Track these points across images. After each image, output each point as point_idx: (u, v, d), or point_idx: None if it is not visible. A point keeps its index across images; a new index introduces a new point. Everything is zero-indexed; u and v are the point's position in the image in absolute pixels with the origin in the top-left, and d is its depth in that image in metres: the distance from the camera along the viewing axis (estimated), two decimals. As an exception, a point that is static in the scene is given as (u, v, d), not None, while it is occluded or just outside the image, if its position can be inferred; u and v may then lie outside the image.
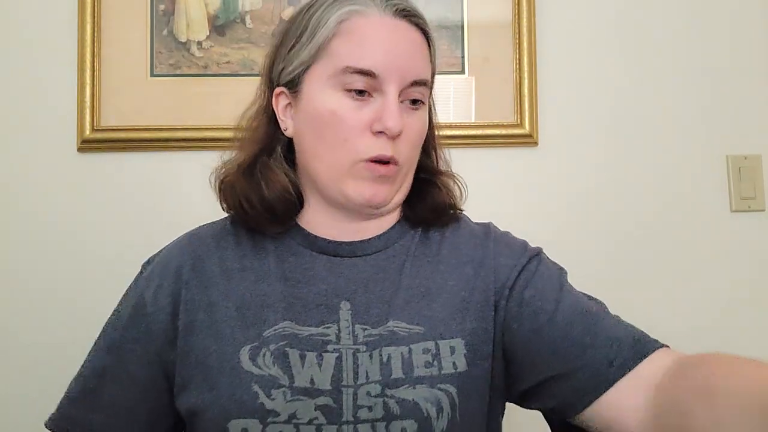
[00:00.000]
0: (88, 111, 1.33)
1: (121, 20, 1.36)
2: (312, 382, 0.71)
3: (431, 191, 0.84)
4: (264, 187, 0.78)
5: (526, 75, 1.39)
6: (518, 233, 1.39)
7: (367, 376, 0.72)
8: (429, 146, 0.86)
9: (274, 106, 0.82)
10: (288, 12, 1.38)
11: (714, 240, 1.42)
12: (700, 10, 1.45)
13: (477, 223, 0.89)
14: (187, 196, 1.34)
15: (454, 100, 1.41)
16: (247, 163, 0.80)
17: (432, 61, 0.81)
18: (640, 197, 1.42)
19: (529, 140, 1.39)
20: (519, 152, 1.41)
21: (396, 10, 0.76)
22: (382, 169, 0.76)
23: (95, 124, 1.33)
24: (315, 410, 0.70)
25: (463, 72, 1.40)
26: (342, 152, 0.75)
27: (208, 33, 1.37)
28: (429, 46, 0.80)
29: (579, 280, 1.40)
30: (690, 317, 1.41)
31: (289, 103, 0.80)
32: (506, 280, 0.80)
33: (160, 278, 0.80)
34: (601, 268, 1.40)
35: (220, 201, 0.84)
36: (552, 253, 1.39)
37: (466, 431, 0.73)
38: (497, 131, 1.39)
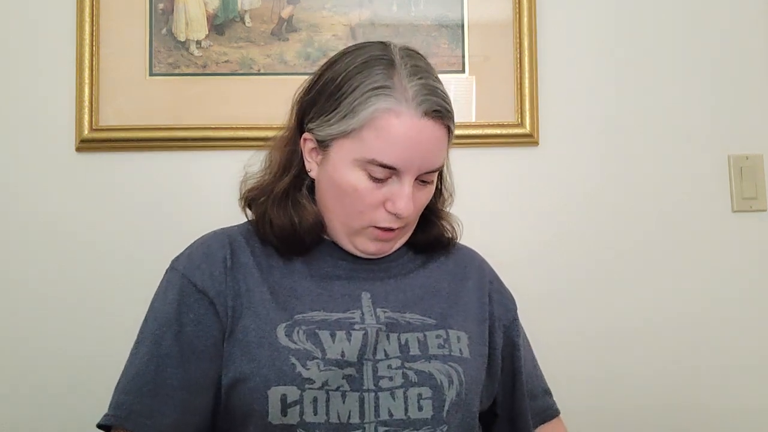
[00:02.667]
0: (86, 110, 1.32)
1: (119, 19, 1.35)
2: (342, 354, 0.81)
3: (433, 229, 0.95)
4: (297, 222, 0.87)
5: (526, 74, 1.38)
6: (518, 233, 1.40)
7: (385, 353, 0.83)
8: (441, 188, 0.96)
9: (301, 146, 0.89)
10: (287, 11, 1.38)
11: (715, 240, 1.42)
12: (701, 9, 1.44)
13: (466, 246, 1.02)
14: (186, 196, 1.34)
15: (455, 100, 1.37)
16: (279, 195, 0.89)
17: (448, 144, 0.88)
18: (640, 197, 1.41)
19: (529, 140, 1.39)
20: (519, 152, 1.40)
21: (426, 111, 0.81)
22: (389, 235, 0.87)
23: (94, 124, 1.33)
24: (342, 379, 0.80)
25: (463, 71, 1.40)
26: (356, 219, 0.86)
27: (207, 32, 1.37)
28: (451, 134, 0.87)
29: (579, 280, 1.40)
30: (691, 317, 1.40)
31: (315, 148, 0.88)
32: (501, 317, 0.96)
33: (208, 266, 0.86)
34: (601, 268, 1.40)
35: (244, 211, 0.93)
36: (552, 253, 1.39)
37: (468, 408, 0.85)
38: (498, 131, 1.38)
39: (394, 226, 0.85)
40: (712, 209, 1.43)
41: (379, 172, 0.82)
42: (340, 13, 1.38)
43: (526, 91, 1.38)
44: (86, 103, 1.32)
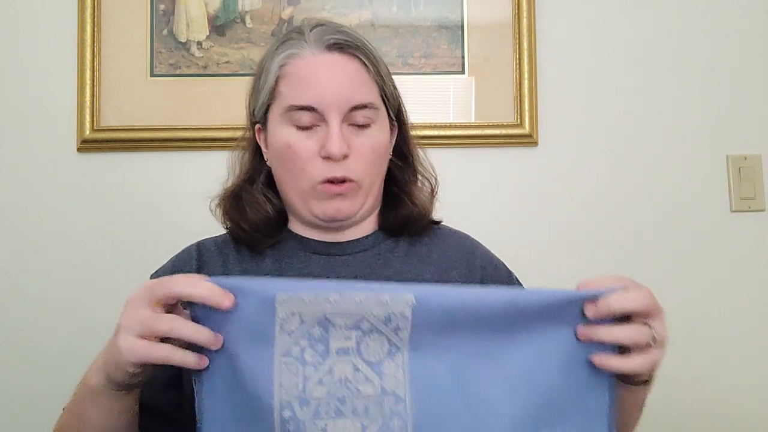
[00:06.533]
0: (87, 111, 1.33)
1: (121, 20, 1.36)
2: None
3: (400, 205, 0.92)
4: (249, 212, 0.88)
5: (526, 75, 1.39)
6: (518, 233, 1.40)
7: None
8: (405, 157, 0.93)
9: (257, 139, 0.91)
10: (288, 12, 1.38)
11: (714, 240, 1.42)
12: (700, 10, 1.45)
13: (457, 232, 0.97)
14: (187, 196, 1.34)
15: (454, 100, 1.41)
16: (235, 192, 0.91)
17: (377, 80, 0.86)
18: (640, 197, 1.42)
19: (529, 140, 1.39)
20: (519, 152, 1.40)
21: (327, 45, 0.83)
22: (336, 188, 0.84)
23: (95, 124, 1.33)
24: None
25: (463, 72, 1.40)
26: (302, 178, 0.84)
27: (207, 33, 1.37)
28: (369, 68, 0.85)
29: (579, 280, 1.40)
30: (690, 317, 1.41)
31: (266, 137, 0.89)
32: None
33: None
34: (600, 268, 1.40)
35: (224, 223, 0.93)
36: (552, 254, 1.40)
37: None
38: (497, 131, 1.39)
39: (337, 174, 0.83)
40: (711, 209, 1.43)
41: (303, 117, 0.83)
42: (340, 14, 1.39)
43: (526, 91, 1.39)
44: (87, 104, 1.33)
